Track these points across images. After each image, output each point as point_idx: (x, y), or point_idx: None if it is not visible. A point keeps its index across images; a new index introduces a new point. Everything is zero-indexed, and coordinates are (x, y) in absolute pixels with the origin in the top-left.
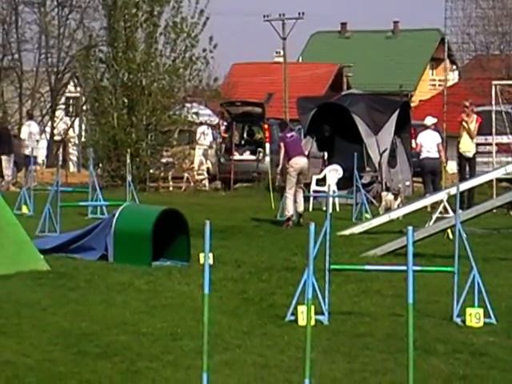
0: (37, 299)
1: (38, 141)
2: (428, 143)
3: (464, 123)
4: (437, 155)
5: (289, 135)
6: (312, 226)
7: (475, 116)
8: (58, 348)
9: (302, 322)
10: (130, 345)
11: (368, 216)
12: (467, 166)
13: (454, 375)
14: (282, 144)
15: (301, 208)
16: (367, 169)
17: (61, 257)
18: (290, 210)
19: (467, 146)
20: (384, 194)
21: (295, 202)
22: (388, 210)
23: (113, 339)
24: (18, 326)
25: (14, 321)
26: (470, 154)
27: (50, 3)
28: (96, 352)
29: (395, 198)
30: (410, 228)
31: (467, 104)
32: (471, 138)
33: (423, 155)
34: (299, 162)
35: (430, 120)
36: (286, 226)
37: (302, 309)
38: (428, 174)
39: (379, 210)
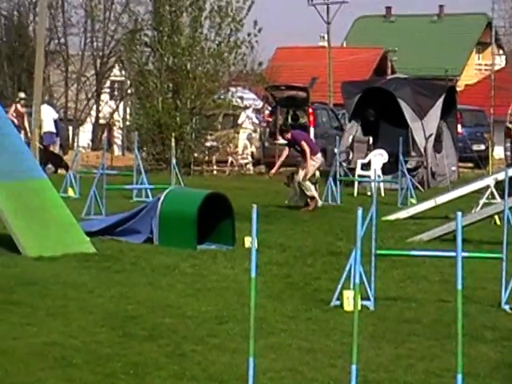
0: (83, 281)
1: (55, 121)
2: None
3: None
4: None
5: (302, 133)
6: (360, 211)
7: None
8: (104, 330)
9: (347, 307)
10: (176, 328)
11: (413, 201)
12: None
13: (503, 362)
14: (303, 142)
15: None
16: (412, 154)
17: (106, 239)
18: (313, 191)
19: None
20: None
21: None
22: None
23: (158, 322)
24: (64, 308)
25: (61, 303)
26: None
27: None
28: (142, 334)
29: None
30: (459, 213)
31: None
32: None
33: None
34: (320, 157)
35: None
36: (312, 207)
37: (347, 294)
38: None
39: None
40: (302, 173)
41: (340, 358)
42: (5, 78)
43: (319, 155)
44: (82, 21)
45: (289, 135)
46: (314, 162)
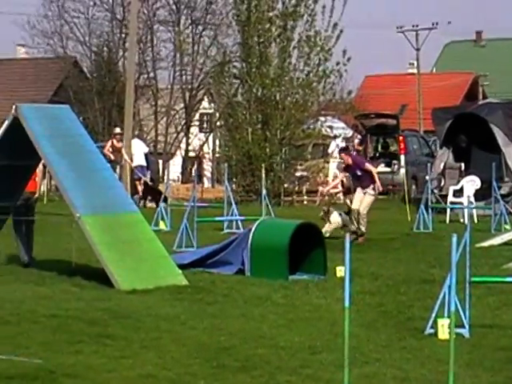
0: (176, 313)
1: (146, 154)
2: None
3: None
4: None
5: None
6: (454, 237)
7: None
8: (197, 362)
9: (441, 335)
10: (269, 358)
11: (507, 227)
12: None
13: None
14: (368, 164)
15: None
16: (506, 179)
17: (198, 271)
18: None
19: None
20: None
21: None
22: None
23: (251, 353)
24: (158, 340)
25: (155, 335)
26: None
27: (184, 21)
28: (235, 365)
29: None
30: None
31: None
32: None
33: None
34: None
35: None
36: (362, 240)
37: (441, 322)
38: None
39: None
40: (360, 202)
41: None
42: (95, 113)
43: (379, 183)
44: (171, 55)
45: (349, 158)
46: (374, 192)
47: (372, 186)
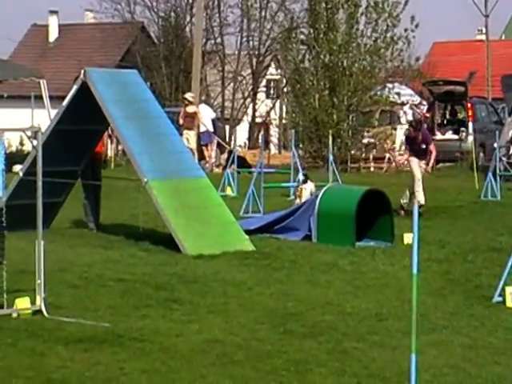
0: (243, 279)
1: (213, 120)
2: None
3: None
4: None
5: None
6: None
7: None
8: (264, 327)
9: (510, 303)
10: (336, 325)
11: None
12: None
13: None
14: (433, 147)
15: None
16: None
17: (265, 237)
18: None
19: None
20: None
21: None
22: None
23: (318, 319)
24: (225, 306)
25: (221, 300)
26: None
27: None
28: (302, 331)
29: None
30: None
31: None
32: None
33: None
34: None
35: None
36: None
37: (510, 290)
38: None
39: None
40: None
41: (504, 354)
42: (162, 78)
43: None
44: (238, 20)
45: (419, 134)
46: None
47: (425, 162)
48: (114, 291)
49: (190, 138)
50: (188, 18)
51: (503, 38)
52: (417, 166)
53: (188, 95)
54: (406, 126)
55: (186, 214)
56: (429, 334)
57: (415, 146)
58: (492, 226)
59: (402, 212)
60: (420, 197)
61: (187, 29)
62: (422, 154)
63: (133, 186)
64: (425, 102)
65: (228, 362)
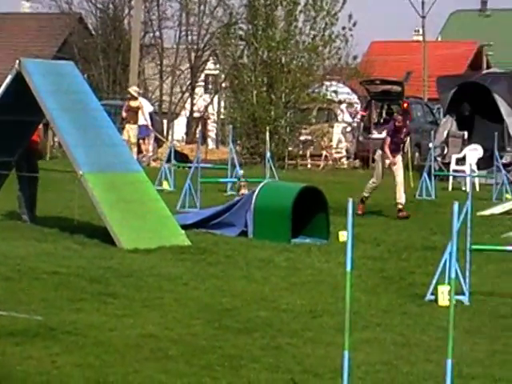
0: (178, 274)
1: (150, 114)
2: None
3: None
4: None
5: None
6: (456, 205)
7: None
8: (199, 322)
9: (441, 301)
10: (271, 321)
11: (509, 196)
12: None
13: None
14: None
15: None
16: (508, 149)
17: (201, 232)
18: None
19: None
20: None
21: None
22: None
23: (253, 315)
24: (160, 300)
25: (157, 294)
26: None
27: None
28: (237, 327)
29: None
30: None
31: None
32: None
33: None
34: None
35: None
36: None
37: (442, 289)
38: None
39: None
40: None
41: (435, 352)
42: (100, 71)
43: None
44: (177, 14)
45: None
46: None
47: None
48: (48, 284)
49: (131, 131)
50: (126, 11)
51: (439, 39)
52: (381, 169)
53: (132, 89)
54: (343, 124)
55: (121, 207)
56: (362, 331)
57: (398, 138)
58: (426, 224)
59: (360, 207)
60: (402, 198)
61: (125, 21)
62: (399, 148)
63: (68, 179)
64: (358, 101)
65: (162, 356)
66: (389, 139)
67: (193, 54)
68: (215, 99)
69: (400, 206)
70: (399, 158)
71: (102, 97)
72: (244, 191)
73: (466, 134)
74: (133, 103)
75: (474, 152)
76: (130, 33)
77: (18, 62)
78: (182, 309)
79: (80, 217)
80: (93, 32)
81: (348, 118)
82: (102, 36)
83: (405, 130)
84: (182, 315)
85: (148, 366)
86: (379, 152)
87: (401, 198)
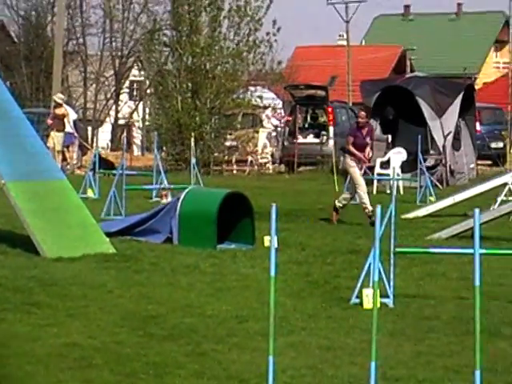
0: (103, 281)
1: (74, 121)
2: None
3: None
4: None
5: None
6: (378, 209)
7: None
8: (124, 330)
9: (366, 304)
10: (196, 327)
11: (432, 199)
12: None
13: None
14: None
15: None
16: (431, 152)
17: (126, 240)
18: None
19: None
20: None
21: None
22: None
23: (178, 322)
24: (84, 308)
25: (81, 303)
26: None
27: None
28: (162, 334)
29: None
30: (477, 210)
31: None
32: None
33: None
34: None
35: None
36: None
37: (366, 292)
38: None
39: None
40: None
41: (360, 355)
42: (23, 78)
43: None
44: (101, 21)
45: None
46: None
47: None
48: None
49: (56, 139)
50: (49, 18)
51: (363, 43)
52: (359, 173)
53: (57, 96)
54: (268, 130)
55: (45, 216)
56: (287, 336)
57: (360, 138)
58: (351, 228)
59: (334, 215)
60: (368, 206)
61: (48, 28)
62: (362, 150)
63: None
64: (281, 106)
65: (86, 365)
66: (351, 139)
67: (117, 61)
68: (140, 106)
69: (368, 211)
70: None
71: (25, 104)
72: (166, 200)
73: (390, 137)
74: (58, 111)
75: (398, 155)
76: (54, 40)
77: None
78: (106, 317)
79: (2, 226)
80: (15, 39)
81: (274, 123)
82: (25, 43)
83: (367, 129)
84: (106, 323)
85: (71, 375)
86: (347, 159)
87: (367, 204)
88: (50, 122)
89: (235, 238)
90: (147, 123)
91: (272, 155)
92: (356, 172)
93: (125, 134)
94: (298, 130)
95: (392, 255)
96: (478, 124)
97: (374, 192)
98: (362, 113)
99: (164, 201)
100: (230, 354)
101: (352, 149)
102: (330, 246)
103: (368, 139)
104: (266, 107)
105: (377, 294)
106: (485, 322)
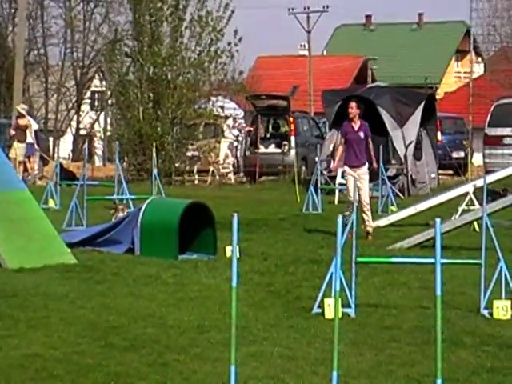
0: (64, 292)
1: (35, 132)
2: None
3: None
4: None
5: None
6: (340, 219)
7: None
8: (85, 341)
9: (328, 314)
10: (158, 337)
11: (394, 209)
12: None
13: (482, 367)
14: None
15: None
16: (393, 161)
17: (87, 250)
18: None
19: None
20: None
21: None
22: None
23: (140, 332)
24: (46, 319)
25: (42, 314)
26: None
27: None
28: (123, 345)
29: None
30: (439, 220)
31: None
32: None
33: None
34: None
35: None
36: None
37: (328, 301)
38: None
39: None
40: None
41: (322, 365)
42: None
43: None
44: (62, 31)
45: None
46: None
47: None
48: None
49: (18, 150)
50: (10, 28)
51: (325, 53)
52: (352, 185)
53: (20, 107)
54: (230, 140)
55: (6, 226)
56: (249, 346)
57: (352, 133)
58: (313, 238)
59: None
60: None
61: (9, 38)
62: (357, 146)
63: None
64: (242, 116)
65: (47, 376)
66: (342, 140)
67: (78, 71)
68: (101, 116)
69: (369, 229)
70: (365, 169)
71: None
72: (121, 214)
73: None
74: (21, 121)
75: None
76: (14, 50)
77: None
78: (67, 328)
79: None
80: None
81: (235, 133)
82: None
83: (359, 123)
84: (67, 334)
85: None
86: (345, 166)
87: (369, 219)
88: (12, 132)
89: (197, 248)
90: (109, 133)
91: (233, 165)
92: (350, 180)
93: (86, 144)
94: (259, 140)
95: (354, 265)
96: (439, 133)
97: (336, 202)
98: (353, 103)
99: (121, 214)
100: (192, 364)
101: (335, 154)
102: (292, 255)
103: (362, 134)
104: (227, 117)
105: (338, 304)
106: (446, 331)
